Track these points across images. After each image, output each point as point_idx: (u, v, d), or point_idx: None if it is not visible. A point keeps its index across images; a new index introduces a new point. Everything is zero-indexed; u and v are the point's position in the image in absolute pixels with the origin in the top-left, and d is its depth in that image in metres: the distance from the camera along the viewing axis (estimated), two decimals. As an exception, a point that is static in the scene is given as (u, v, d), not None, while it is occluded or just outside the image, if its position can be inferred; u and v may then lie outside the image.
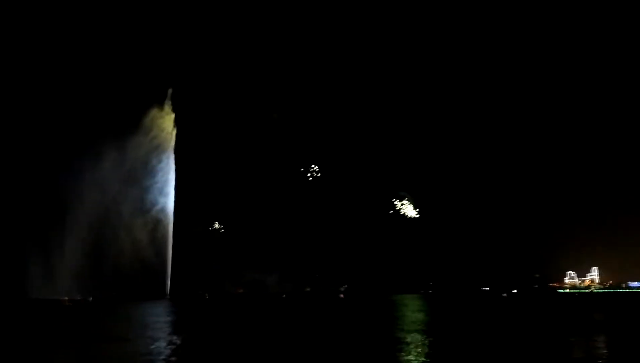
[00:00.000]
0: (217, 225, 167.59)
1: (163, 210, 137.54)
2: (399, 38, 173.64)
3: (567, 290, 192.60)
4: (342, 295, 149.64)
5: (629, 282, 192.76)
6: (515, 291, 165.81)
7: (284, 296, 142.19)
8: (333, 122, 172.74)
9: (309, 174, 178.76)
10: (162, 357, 21.59)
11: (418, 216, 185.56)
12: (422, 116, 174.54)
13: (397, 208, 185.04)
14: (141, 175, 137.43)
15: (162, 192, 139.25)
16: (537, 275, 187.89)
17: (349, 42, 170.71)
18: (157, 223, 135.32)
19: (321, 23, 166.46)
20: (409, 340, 27.62)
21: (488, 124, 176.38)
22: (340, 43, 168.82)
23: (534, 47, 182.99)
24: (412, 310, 63.33)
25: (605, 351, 21.80)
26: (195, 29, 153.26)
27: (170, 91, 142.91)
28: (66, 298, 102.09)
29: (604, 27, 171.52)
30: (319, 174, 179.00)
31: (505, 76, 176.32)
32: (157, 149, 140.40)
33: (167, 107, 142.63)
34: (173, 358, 21.16)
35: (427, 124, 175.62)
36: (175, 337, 30.06)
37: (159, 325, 40.63)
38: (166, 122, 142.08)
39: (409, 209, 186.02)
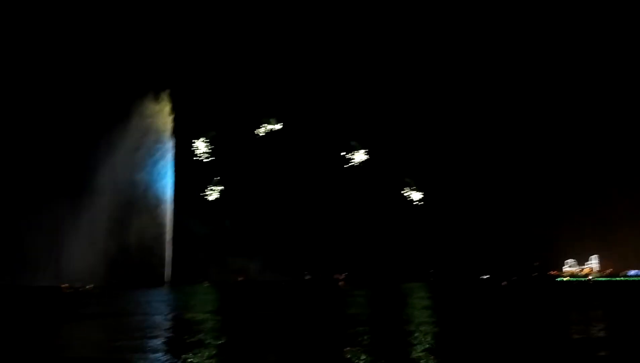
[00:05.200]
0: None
1: (162, 197, 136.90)
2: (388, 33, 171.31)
3: (566, 279, 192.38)
4: (342, 283, 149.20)
5: (627, 271, 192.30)
6: (514, 279, 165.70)
7: (283, 283, 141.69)
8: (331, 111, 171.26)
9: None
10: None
11: (421, 203, 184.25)
12: (425, 106, 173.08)
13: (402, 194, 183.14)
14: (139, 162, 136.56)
15: (161, 179, 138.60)
16: (537, 263, 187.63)
17: (345, 41, 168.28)
18: (156, 210, 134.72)
19: (317, 23, 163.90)
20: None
21: (488, 114, 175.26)
22: (336, 42, 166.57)
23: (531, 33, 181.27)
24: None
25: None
26: (189, 28, 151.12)
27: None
28: (66, 284, 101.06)
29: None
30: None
31: (502, 71, 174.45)
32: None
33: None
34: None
35: (430, 114, 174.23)
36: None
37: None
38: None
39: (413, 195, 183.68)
